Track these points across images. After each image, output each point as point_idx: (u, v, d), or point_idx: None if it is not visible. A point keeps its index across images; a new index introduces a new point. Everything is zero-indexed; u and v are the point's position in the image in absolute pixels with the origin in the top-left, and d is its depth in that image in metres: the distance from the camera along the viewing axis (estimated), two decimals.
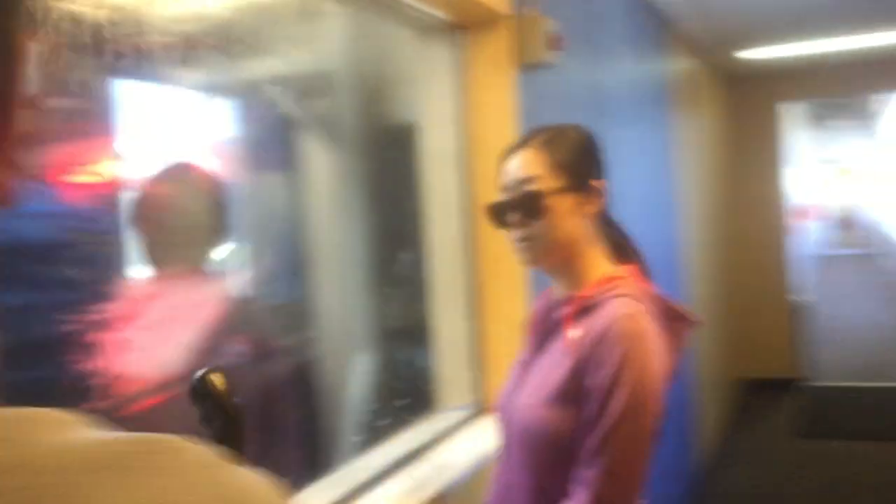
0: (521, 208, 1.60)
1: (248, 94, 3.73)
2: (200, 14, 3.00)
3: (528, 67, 2.72)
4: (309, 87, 3.25)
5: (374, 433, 2.55)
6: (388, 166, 2.98)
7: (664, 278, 4.84)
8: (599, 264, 1.65)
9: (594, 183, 1.64)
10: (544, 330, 1.68)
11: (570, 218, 1.62)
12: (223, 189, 2.17)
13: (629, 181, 4.05)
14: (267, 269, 2.90)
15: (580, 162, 1.64)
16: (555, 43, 2.71)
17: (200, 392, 1.04)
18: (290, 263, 3.13)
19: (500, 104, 2.68)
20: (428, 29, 2.68)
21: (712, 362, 6.29)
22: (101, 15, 2.69)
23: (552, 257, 1.64)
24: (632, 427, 1.47)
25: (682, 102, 5.68)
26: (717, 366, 6.64)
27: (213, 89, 3.89)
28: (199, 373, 1.06)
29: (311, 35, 3.03)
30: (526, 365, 1.70)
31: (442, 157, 2.73)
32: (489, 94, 2.70)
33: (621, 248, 1.71)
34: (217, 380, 1.06)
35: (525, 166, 1.63)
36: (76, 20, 2.65)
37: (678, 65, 5.72)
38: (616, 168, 3.72)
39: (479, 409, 2.68)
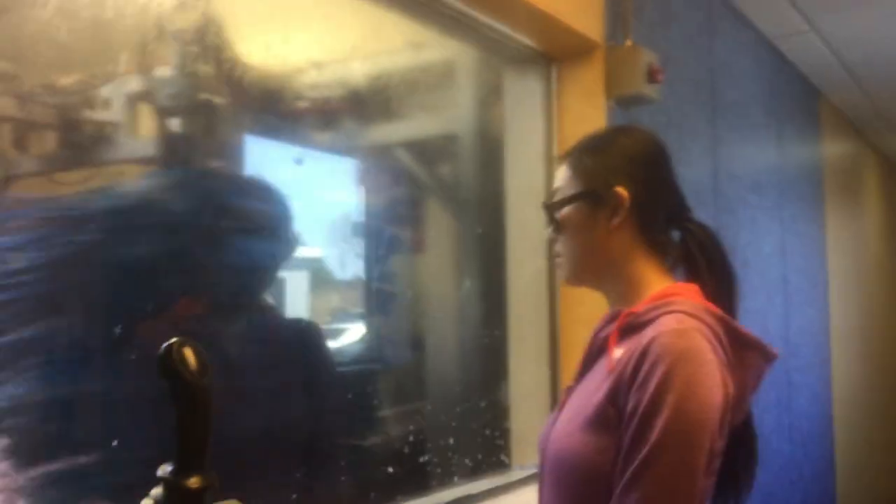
0: (547, 223, 1.44)
1: (378, 157, 3.79)
2: (338, 81, 3.09)
3: (624, 100, 2.55)
4: (435, 151, 3.24)
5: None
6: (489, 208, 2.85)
7: (807, 363, 4.44)
8: (654, 280, 1.42)
9: (618, 190, 1.41)
10: (591, 351, 1.46)
11: (590, 231, 1.42)
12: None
13: (755, 249, 3.73)
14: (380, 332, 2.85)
15: (603, 166, 1.43)
16: (654, 75, 2.54)
17: (166, 365, 0.89)
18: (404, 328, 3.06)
19: None
20: (521, 59, 2.58)
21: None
22: (245, 78, 2.81)
23: (586, 274, 1.45)
24: (672, 459, 1.20)
25: (837, 187, 5.27)
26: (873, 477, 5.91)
27: (346, 151, 3.99)
28: (167, 344, 0.91)
29: (439, 101, 3.03)
30: (571, 391, 1.48)
31: (530, 193, 2.59)
32: (580, 127, 2.53)
33: (701, 266, 1.46)
34: (189, 354, 0.91)
35: (556, 177, 1.48)
36: (216, 84, 2.78)
37: (832, 144, 5.33)
38: (738, 233, 3.53)
39: None
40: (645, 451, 1.19)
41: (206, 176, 2.31)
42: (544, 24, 2.34)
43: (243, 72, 2.73)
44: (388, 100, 2.79)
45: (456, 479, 2.35)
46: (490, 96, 2.69)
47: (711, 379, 1.23)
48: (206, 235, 2.09)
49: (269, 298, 2.28)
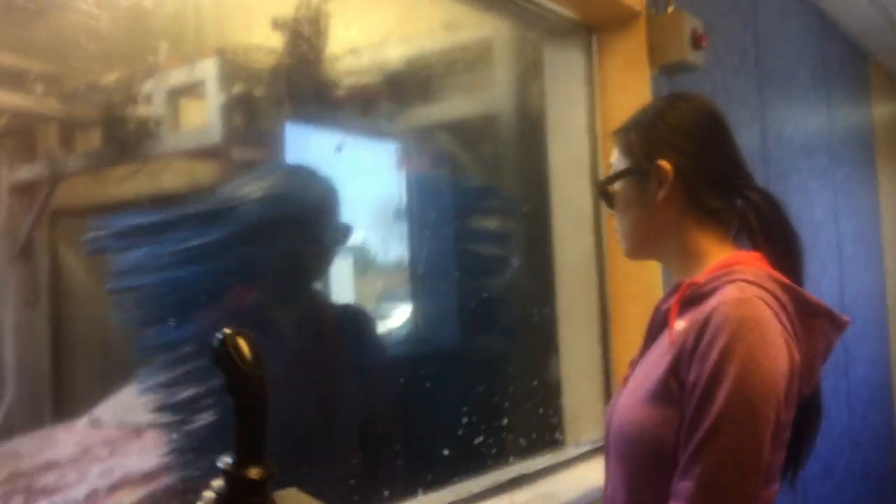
0: (601, 199, 1.43)
1: (419, 139, 3.78)
2: (376, 66, 3.08)
3: (668, 68, 2.50)
4: (473, 132, 3.22)
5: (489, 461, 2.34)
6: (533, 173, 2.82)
7: (863, 330, 4.34)
8: (714, 250, 1.38)
9: (661, 164, 1.38)
10: (653, 324, 1.44)
11: (640, 206, 1.40)
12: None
13: (808, 216, 3.65)
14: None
15: (647, 141, 1.39)
16: (698, 42, 2.47)
17: (222, 357, 0.89)
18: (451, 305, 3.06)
19: (635, 109, 2.46)
20: (560, 30, 2.54)
21: None
22: (283, 67, 2.82)
23: (643, 248, 1.44)
24: (735, 431, 1.17)
25: (890, 150, 5.12)
26: None
27: (386, 136, 3.99)
28: (220, 335, 0.90)
29: (477, 82, 3.00)
30: (635, 364, 1.46)
31: (573, 166, 2.55)
32: (623, 97, 2.49)
33: (763, 234, 1.42)
34: (242, 344, 0.90)
35: (613, 152, 1.46)
36: (257, 75, 2.79)
37: (883, 107, 5.18)
38: (789, 200, 3.41)
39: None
40: (707, 423, 1.16)
41: (260, 167, 2.32)
42: None
43: (283, 60, 2.73)
44: (426, 82, 2.77)
45: (511, 458, 2.34)
46: (530, 71, 2.65)
47: (775, 348, 1.19)
48: (260, 224, 2.11)
49: (319, 286, 2.29)
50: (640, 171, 1.38)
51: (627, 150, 1.41)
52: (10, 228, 3.36)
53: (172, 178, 3.31)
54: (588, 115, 2.53)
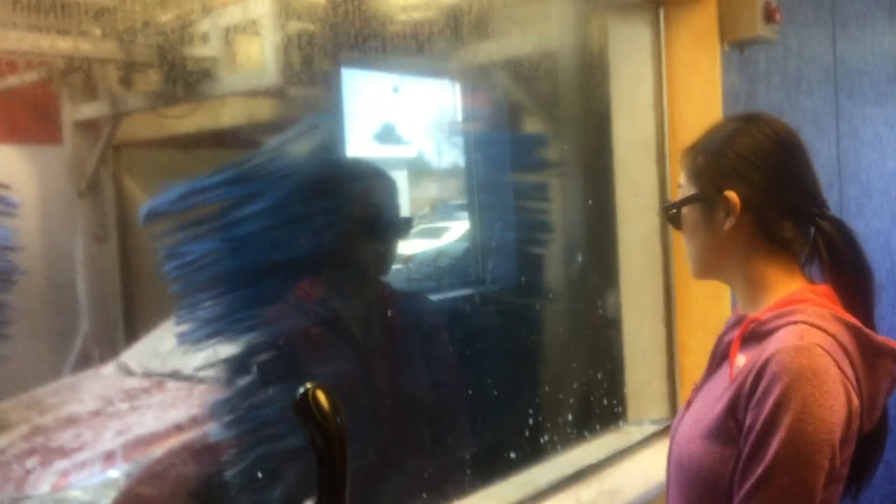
0: (667, 220, 1.40)
1: (476, 78, 3.73)
2: (433, 2, 3.01)
3: (739, 44, 2.40)
4: (534, 69, 3.16)
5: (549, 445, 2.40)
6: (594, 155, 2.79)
7: None
8: (779, 282, 1.36)
9: (728, 194, 1.34)
10: (716, 353, 1.44)
11: (706, 232, 1.37)
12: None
13: (879, 169, 3.53)
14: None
15: (716, 169, 1.36)
16: (772, 14, 2.36)
17: (304, 409, 0.97)
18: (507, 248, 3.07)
19: (705, 86, 2.39)
20: (626, 4, 2.44)
21: None
22: (336, 5, 2.77)
23: (709, 272, 1.42)
24: (786, 481, 1.19)
25: None
26: None
27: (442, 74, 3.94)
28: (304, 388, 0.98)
29: (534, 18, 2.93)
30: (697, 390, 1.47)
31: (639, 145, 2.49)
32: (692, 74, 2.41)
33: (832, 266, 1.39)
34: (322, 397, 0.98)
35: (681, 172, 1.42)
36: (312, 13, 2.75)
37: None
38: (861, 153, 3.35)
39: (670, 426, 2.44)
40: (759, 470, 1.19)
41: (320, 161, 2.32)
42: None
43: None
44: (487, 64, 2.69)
45: (575, 443, 2.39)
46: (593, 49, 2.58)
47: (831, 398, 1.19)
48: (323, 219, 2.13)
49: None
50: (707, 200, 1.36)
51: (695, 176, 1.38)
52: (77, 164, 3.44)
53: (230, 115, 3.34)
54: (655, 93, 2.46)
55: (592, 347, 2.64)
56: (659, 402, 2.49)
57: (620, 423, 2.51)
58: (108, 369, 2.46)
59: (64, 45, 2.84)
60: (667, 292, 2.49)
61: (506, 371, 2.49)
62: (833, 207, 3.00)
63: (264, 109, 3.21)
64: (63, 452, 2.17)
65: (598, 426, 2.48)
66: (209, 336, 2.19)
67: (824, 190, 1.38)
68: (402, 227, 2.14)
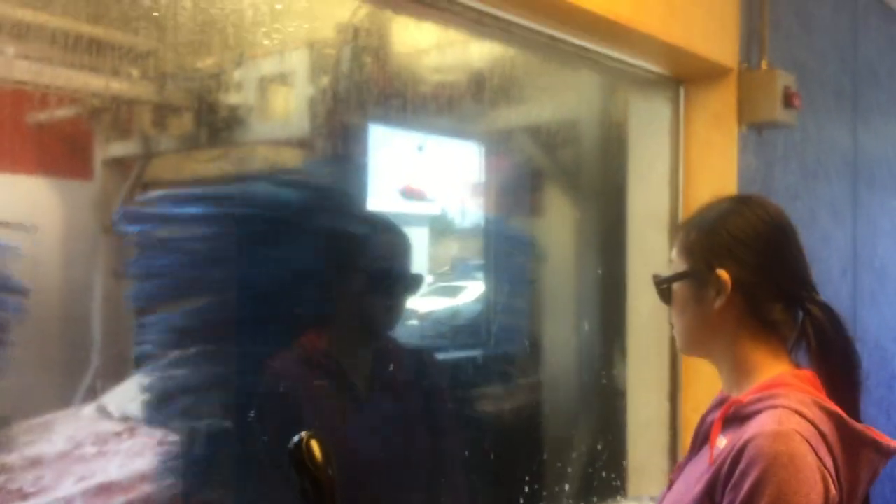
0: (658, 294, 1.42)
1: (499, 141, 3.78)
2: (459, 65, 3.09)
3: (757, 126, 2.43)
4: (554, 136, 3.21)
5: None
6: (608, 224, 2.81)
7: None
8: (765, 364, 1.36)
9: (720, 273, 1.35)
10: (698, 433, 1.44)
11: (696, 309, 1.37)
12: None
13: (893, 256, 3.53)
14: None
15: (708, 247, 1.37)
16: (791, 100, 2.40)
17: (297, 458, 0.98)
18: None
19: (720, 165, 2.42)
20: (647, 82, 2.49)
21: None
22: (366, 66, 2.85)
23: (695, 349, 1.42)
24: None
25: None
26: None
27: (467, 135, 4.01)
28: (298, 437, 1.00)
29: (558, 87, 2.98)
30: (680, 469, 1.46)
31: (653, 218, 2.51)
32: (708, 153, 2.44)
33: (819, 352, 1.39)
34: (315, 447, 0.99)
35: (672, 247, 1.43)
36: (343, 69, 2.83)
37: None
38: (877, 243, 3.35)
39: None
40: None
41: (336, 212, 2.36)
42: (674, 53, 2.24)
43: (370, 57, 2.76)
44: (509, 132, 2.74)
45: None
46: (613, 121, 2.62)
47: (807, 486, 1.18)
48: (333, 271, 2.15)
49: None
50: (698, 277, 1.36)
51: (687, 252, 1.38)
52: (104, 200, 3.49)
53: (258, 162, 3.40)
54: (671, 169, 2.49)
55: (595, 417, 2.63)
56: (660, 478, 2.46)
57: (619, 498, 2.48)
58: (88, 410, 2.42)
59: (99, 84, 2.93)
60: (673, 366, 2.48)
61: (505, 435, 2.47)
62: (846, 295, 3.02)
63: (292, 159, 3.27)
64: (22, 495, 2.12)
65: (595, 499, 2.46)
66: (204, 384, 2.19)
67: (838, 276, 1.39)
68: (412, 284, 2.15)
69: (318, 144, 2.99)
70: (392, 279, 2.10)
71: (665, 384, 2.49)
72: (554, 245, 2.92)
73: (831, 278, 2.88)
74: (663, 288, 1.41)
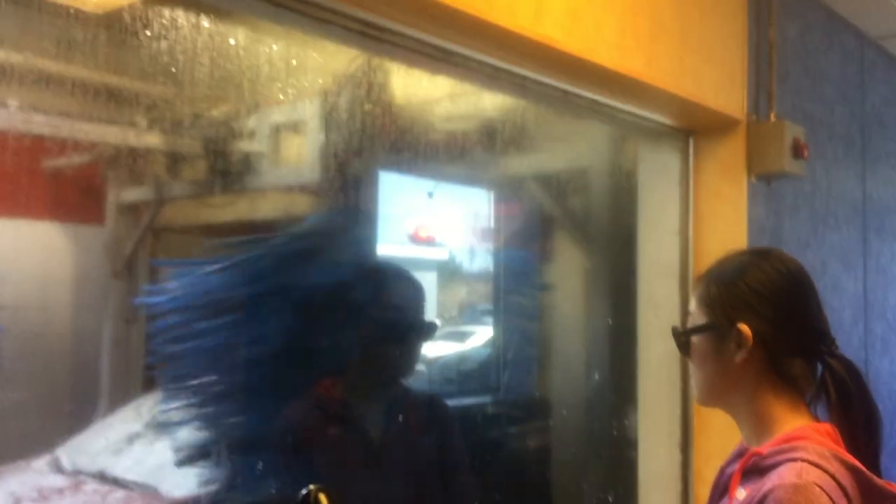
0: (677, 346, 1.41)
1: (509, 188, 3.81)
2: (469, 114, 3.13)
3: (766, 177, 2.45)
4: (564, 185, 3.23)
5: None
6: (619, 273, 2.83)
7: None
8: (784, 418, 1.36)
9: (741, 327, 1.35)
10: (717, 485, 1.43)
11: (715, 362, 1.37)
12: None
13: None
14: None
15: (729, 300, 1.37)
16: (800, 151, 2.42)
17: None
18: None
19: (730, 215, 2.43)
20: (657, 133, 2.51)
21: None
22: (377, 114, 2.89)
23: (714, 401, 1.42)
24: None
25: None
26: None
27: (477, 182, 4.04)
28: (306, 490, 1.01)
29: (568, 136, 3.02)
30: None
31: (662, 268, 2.52)
32: (718, 203, 2.45)
33: (839, 406, 1.39)
34: (324, 501, 1.00)
35: (691, 300, 1.43)
36: (353, 118, 2.87)
37: None
38: (889, 291, 3.34)
39: None
40: None
41: (349, 260, 2.37)
42: (685, 106, 2.27)
43: (380, 108, 2.79)
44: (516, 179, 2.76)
45: None
46: (623, 170, 2.64)
47: None
48: (346, 321, 2.16)
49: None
50: (719, 330, 1.36)
51: (707, 305, 1.38)
52: (115, 245, 3.51)
53: (269, 208, 3.42)
54: (681, 219, 2.50)
55: (606, 468, 2.61)
56: None
57: None
58: (40, 463, 2.34)
59: (116, 134, 2.98)
60: (684, 417, 2.47)
61: (515, 484, 2.46)
62: (857, 343, 3.01)
63: (302, 205, 3.29)
64: None
65: None
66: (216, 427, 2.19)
67: (849, 325, 1.39)
68: (425, 332, 2.16)
69: (328, 191, 3.03)
70: (405, 327, 2.11)
71: (676, 435, 2.47)
72: (564, 293, 2.93)
73: (843, 327, 2.87)
74: (683, 340, 1.42)
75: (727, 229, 2.43)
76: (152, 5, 1.78)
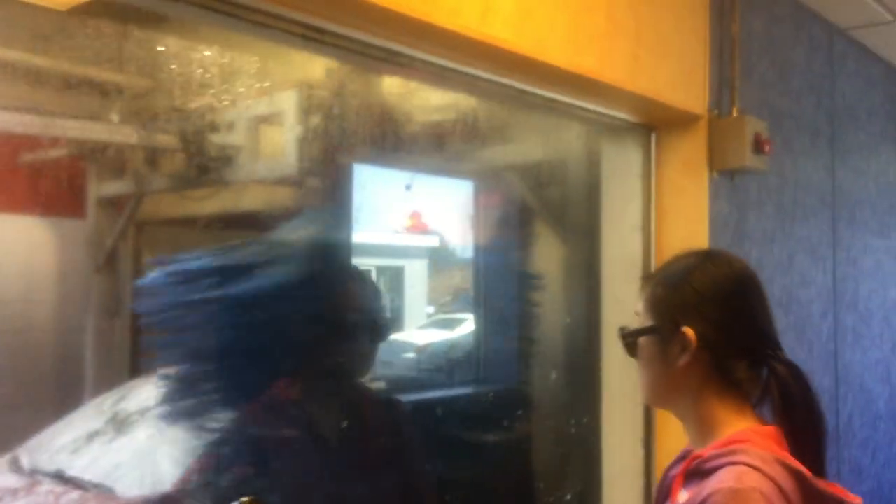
0: (622, 347, 1.42)
1: (488, 179, 3.81)
2: (449, 104, 3.12)
3: (729, 172, 2.44)
4: (541, 175, 3.23)
5: None
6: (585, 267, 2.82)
7: None
8: (728, 421, 1.36)
9: (685, 330, 1.35)
10: (661, 488, 1.43)
11: (660, 364, 1.37)
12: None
13: (880, 298, 3.52)
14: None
15: (674, 303, 1.36)
16: (761, 146, 2.41)
17: None
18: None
19: (691, 211, 2.42)
20: (618, 129, 2.50)
21: None
22: (355, 105, 2.89)
23: (660, 402, 1.42)
24: None
25: None
26: None
27: (457, 173, 4.03)
28: (238, 502, 1.02)
29: (545, 127, 3.01)
30: None
31: (626, 264, 2.52)
32: (679, 198, 2.45)
33: (783, 409, 1.39)
34: None
35: (638, 299, 1.43)
36: (331, 110, 2.86)
37: None
38: (860, 282, 3.34)
39: None
40: None
41: (304, 262, 2.37)
42: (642, 102, 2.26)
43: (359, 97, 2.79)
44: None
45: None
46: (590, 163, 2.64)
47: None
48: (302, 321, 2.16)
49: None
50: (663, 332, 1.36)
51: (653, 307, 1.38)
52: (97, 239, 3.51)
53: (250, 200, 3.42)
54: (643, 214, 2.49)
55: (569, 464, 2.61)
56: None
57: None
58: (1, 462, 2.31)
59: (95, 129, 2.97)
60: (647, 413, 2.47)
61: (476, 481, 2.47)
62: (827, 336, 3.01)
63: (282, 197, 3.29)
64: None
65: None
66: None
67: (818, 318, 1.38)
68: (379, 332, 2.16)
69: (307, 183, 3.03)
70: (358, 328, 2.11)
71: (639, 431, 2.47)
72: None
73: (812, 319, 2.87)
74: (629, 342, 1.41)
75: (689, 225, 2.43)
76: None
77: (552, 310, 3.03)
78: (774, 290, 2.71)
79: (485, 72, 1.90)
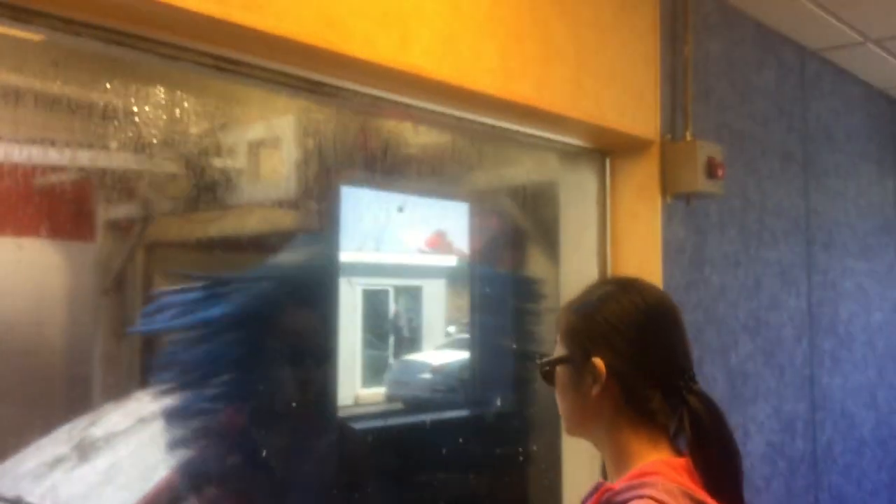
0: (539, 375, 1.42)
1: (479, 201, 3.83)
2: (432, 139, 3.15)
3: (685, 196, 2.44)
4: (531, 198, 3.24)
5: None
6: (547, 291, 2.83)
7: None
8: (641, 452, 1.35)
9: (595, 361, 1.35)
10: None
11: (574, 394, 1.36)
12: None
13: (861, 321, 3.46)
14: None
15: (585, 333, 1.36)
16: (714, 170, 2.40)
17: None
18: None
19: (645, 235, 2.42)
20: (572, 154, 2.51)
21: None
22: (349, 128, 2.93)
23: (577, 431, 1.41)
24: None
25: None
26: None
27: (448, 195, 4.06)
28: None
29: (487, 159, 3.04)
30: None
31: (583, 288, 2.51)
32: (634, 223, 2.44)
33: (695, 441, 1.38)
34: None
35: (556, 327, 1.43)
36: (328, 135, 2.91)
37: None
38: (839, 305, 3.28)
39: None
40: None
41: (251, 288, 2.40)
42: (588, 128, 2.27)
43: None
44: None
45: None
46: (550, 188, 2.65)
47: None
48: (251, 351, 2.19)
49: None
50: (575, 362, 1.35)
51: (567, 336, 1.37)
52: (105, 261, 3.56)
53: (253, 223, 3.47)
54: (599, 239, 2.49)
55: (528, 490, 2.60)
56: None
57: None
58: None
59: (100, 156, 3.04)
60: None
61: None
62: (802, 360, 2.98)
63: (284, 219, 3.34)
64: None
65: None
66: None
67: (792, 342, 1.36)
68: (320, 359, 2.18)
69: (306, 206, 3.07)
70: (301, 355, 2.13)
71: (598, 456, 2.46)
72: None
73: (784, 343, 2.83)
74: (545, 370, 1.40)
75: (643, 249, 2.42)
76: None
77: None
78: (739, 313, 2.68)
79: (412, 100, 1.92)
